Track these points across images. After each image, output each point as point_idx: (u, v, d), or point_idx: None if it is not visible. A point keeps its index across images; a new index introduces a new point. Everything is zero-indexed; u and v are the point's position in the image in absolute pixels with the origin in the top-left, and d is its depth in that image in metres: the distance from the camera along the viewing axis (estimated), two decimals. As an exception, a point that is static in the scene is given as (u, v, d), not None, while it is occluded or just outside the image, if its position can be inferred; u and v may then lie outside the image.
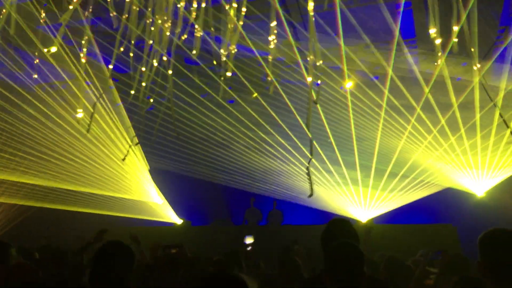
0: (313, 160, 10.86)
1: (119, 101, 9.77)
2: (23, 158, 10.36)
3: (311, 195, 3.89)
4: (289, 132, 10.99)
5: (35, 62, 8.63)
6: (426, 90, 8.70)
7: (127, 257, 2.60)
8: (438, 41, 5.43)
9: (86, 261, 5.41)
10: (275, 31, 5.03)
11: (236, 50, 5.34)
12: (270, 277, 4.50)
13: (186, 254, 5.08)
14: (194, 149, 12.10)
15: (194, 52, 5.41)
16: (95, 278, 2.50)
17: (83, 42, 5.86)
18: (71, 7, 4.96)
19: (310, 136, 3.96)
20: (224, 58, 5.01)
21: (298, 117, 10.30)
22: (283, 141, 11.44)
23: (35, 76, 9.20)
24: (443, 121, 9.59)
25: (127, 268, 2.57)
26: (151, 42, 5.08)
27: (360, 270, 2.41)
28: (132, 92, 5.09)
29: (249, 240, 8.20)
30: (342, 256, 2.43)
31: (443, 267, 4.35)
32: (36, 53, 8.67)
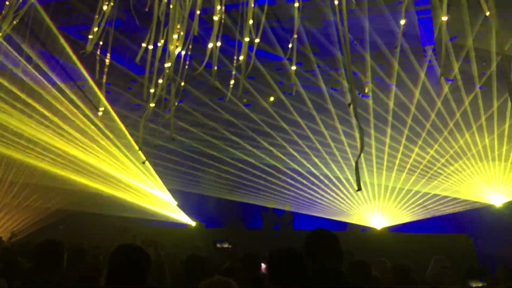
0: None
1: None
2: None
3: (359, 189, 3.78)
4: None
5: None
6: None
7: (141, 258, 2.64)
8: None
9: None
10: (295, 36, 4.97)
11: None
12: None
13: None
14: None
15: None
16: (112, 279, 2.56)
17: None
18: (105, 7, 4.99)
19: (359, 124, 3.86)
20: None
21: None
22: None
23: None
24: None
25: (142, 269, 2.61)
26: (162, 41, 5.07)
27: None
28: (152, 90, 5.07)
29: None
30: None
31: None
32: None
